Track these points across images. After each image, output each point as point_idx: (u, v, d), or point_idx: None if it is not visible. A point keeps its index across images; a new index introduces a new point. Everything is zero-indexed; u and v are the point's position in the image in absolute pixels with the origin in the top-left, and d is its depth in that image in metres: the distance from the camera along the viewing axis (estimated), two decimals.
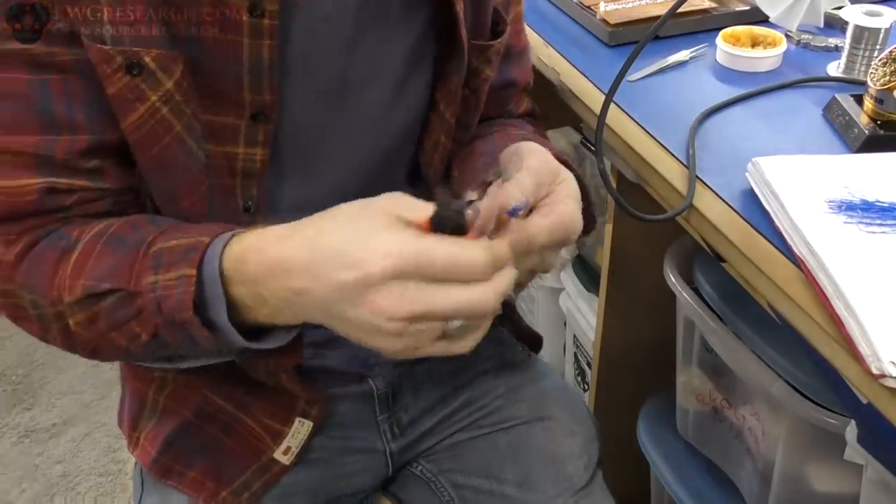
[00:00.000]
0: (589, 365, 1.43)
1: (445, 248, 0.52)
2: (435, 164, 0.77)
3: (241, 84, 0.63)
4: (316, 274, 0.53)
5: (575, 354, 1.49)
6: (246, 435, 0.80)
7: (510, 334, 0.93)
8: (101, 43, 0.59)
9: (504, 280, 0.54)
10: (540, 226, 0.59)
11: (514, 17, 0.81)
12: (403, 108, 0.74)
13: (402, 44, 0.71)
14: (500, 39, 0.75)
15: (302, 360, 0.71)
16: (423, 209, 0.54)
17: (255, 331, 0.60)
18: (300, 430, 0.80)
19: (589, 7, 1.05)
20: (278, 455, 0.80)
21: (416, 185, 0.79)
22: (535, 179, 0.59)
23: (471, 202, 0.55)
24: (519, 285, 0.60)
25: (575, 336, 1.46)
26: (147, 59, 0.60)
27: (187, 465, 0.81)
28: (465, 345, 0.56)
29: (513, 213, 0.57)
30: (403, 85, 0.72)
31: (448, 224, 0.53)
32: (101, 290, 0.60)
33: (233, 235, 0.59)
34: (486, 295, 0.53)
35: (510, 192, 0.57)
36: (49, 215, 0.63)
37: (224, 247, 0.58)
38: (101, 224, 0.63)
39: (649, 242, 1.04)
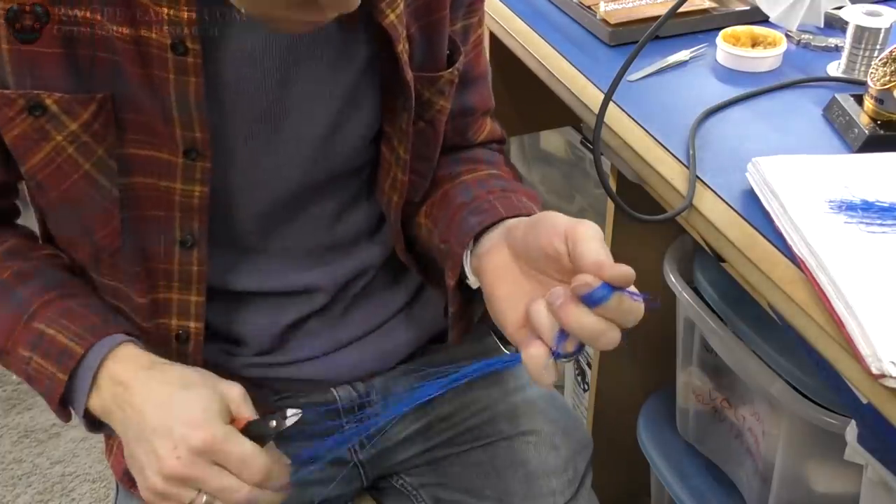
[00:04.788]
0: (589, 365, 1.43)
1: (241, 445, 0.62)
2: (394, 202, 0.76)
3: (172, 120, 0.62)
4: (141, 421, 0.63)
5: None
6: None
7: (496, 340, 0.91)
8: (3, 87, 0.59)
9: (265, 497, 0.63)
10: (598, 252, 0.54)
11: (475, 40, 0.79)
12: (343, 144, 0.73)
13: (339, 82, 0.69)
14: (450, 70, 0.74)
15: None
16: (245, 411, 0.65)
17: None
18: None
19: (589, 7, 1.05)
20: None
21: (366, 208, 0.79)
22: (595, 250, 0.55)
23: (282, 418, 0.65)
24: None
25: None
26: (49, 102, 0.60)
27: None
28: None
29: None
30: (342, 121, 0.71)
31: (254, 434, 0.64)
32: None
33: (104, 358, 0.66)
34: (243, 489, 0.61)
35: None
36: None
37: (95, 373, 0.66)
38: None
39: (649, 242, 1.04)
